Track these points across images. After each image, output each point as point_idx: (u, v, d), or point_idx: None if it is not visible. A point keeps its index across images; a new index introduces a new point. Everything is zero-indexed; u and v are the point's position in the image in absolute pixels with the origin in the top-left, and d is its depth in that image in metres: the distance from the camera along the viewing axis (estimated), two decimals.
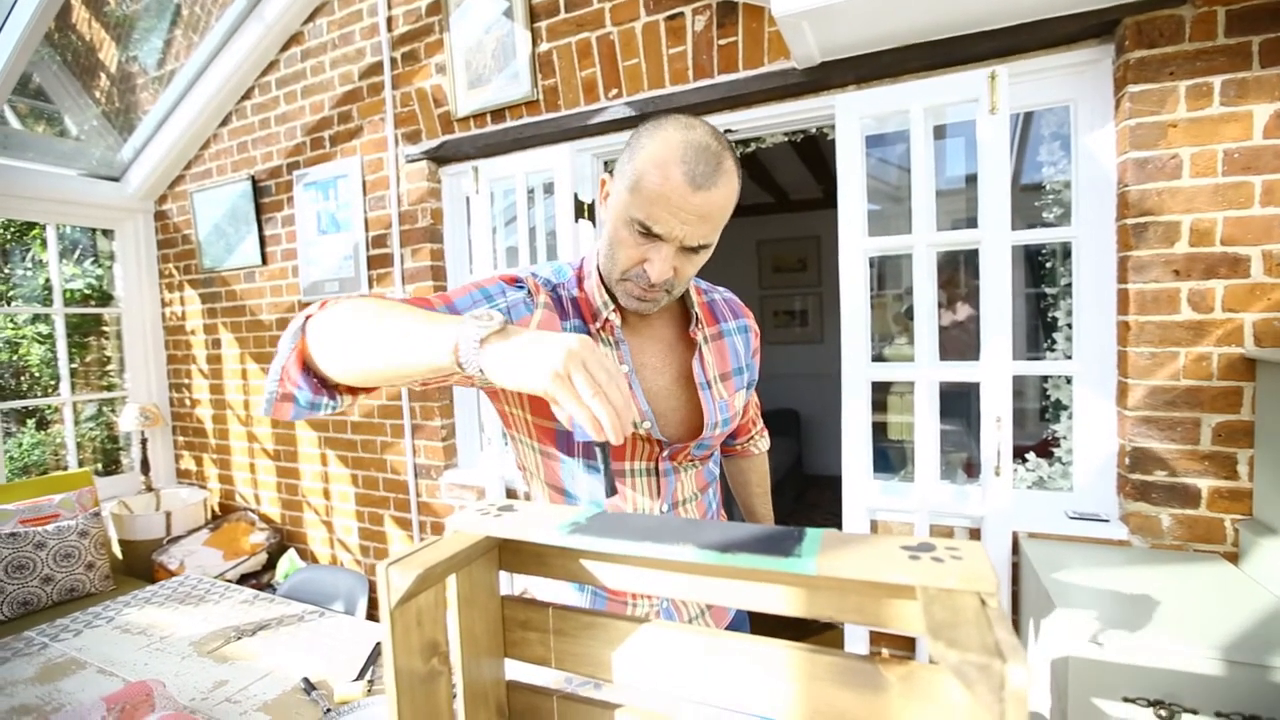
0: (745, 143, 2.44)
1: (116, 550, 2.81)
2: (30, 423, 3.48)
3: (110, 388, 3.34)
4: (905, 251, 1.62)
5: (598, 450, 0.61)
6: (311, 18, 2.56)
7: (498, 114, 2.16)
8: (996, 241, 1.46)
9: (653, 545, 0.42)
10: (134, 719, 0.82)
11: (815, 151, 3.55)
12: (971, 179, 1.83)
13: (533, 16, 2.05)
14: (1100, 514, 1.53)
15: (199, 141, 2.97)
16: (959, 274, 2.32)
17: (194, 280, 3.12)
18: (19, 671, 1.06)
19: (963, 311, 2.28)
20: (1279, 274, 1.30)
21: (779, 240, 4.91)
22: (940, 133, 1.79)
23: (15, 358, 3.45)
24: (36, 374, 3.48)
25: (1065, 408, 1.66)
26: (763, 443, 1.20)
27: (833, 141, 1.78)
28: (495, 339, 0.56)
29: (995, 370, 1.48)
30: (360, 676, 1.00)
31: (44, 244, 3.16)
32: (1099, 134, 1.51)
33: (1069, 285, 1.60)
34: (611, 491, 0.59)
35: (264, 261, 2.83)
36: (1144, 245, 1.39)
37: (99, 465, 3.41)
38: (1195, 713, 1.01)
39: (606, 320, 0.83)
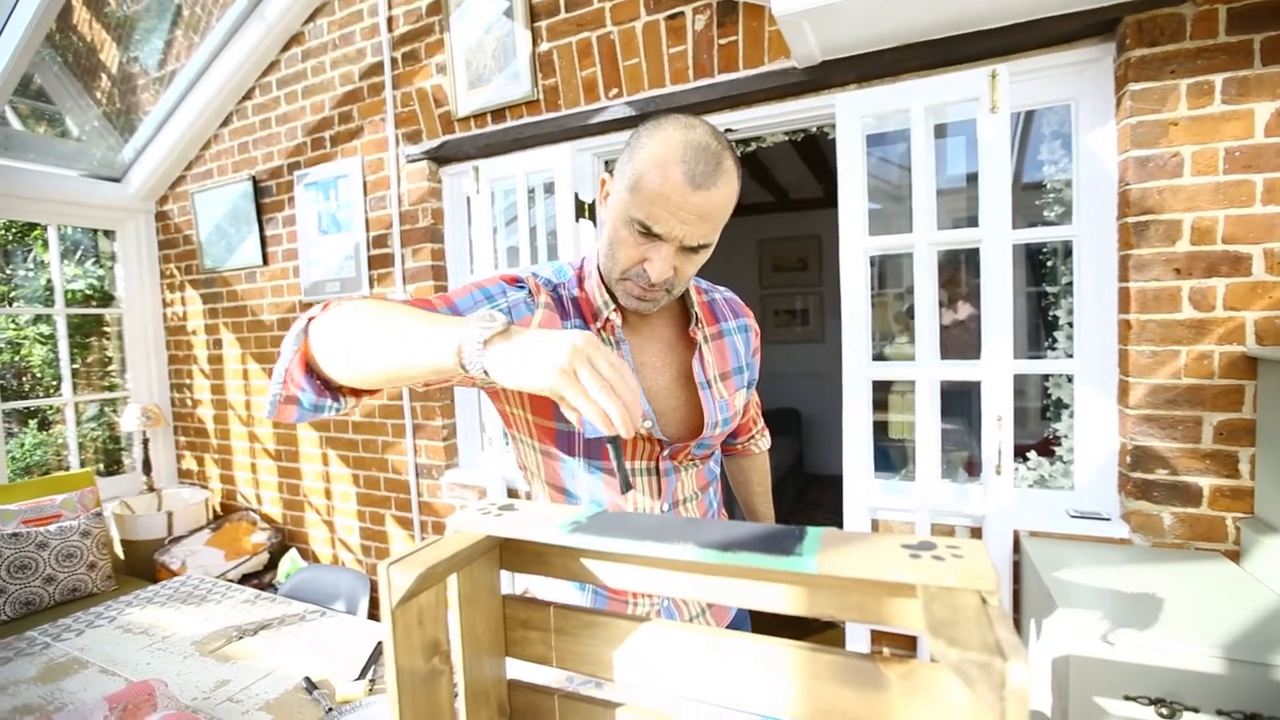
0: (746, 142, 2.44)
1: (118, 550, 2.81)
2: (32, 423, 3.49)
3: (112, 388, 3.35)
4: (906, 250, 1.62)
5: (609, 447, 0.60)
6: (312, 18, 2.56)
7: (498, 114, 2.17)
8: (997, 240, 1.46)
9: (653, 544, 0.42)
10: (136, 718, 0.82)
11: (816, 151, 3.55)
12: (972, 178, 1.83)
13: (533, 16, 2.05)
14: (1101, 512, 1.53)
15: (200, 142, 2.97)
16: (960, 273, 2.32)
17: (195, 280, 3.12)
18: (21, 671, 1.06)
19: (964, 310, 2.28)
20: None
21: (780, 239, 4.91)
22: (941, 132, 1.79)
23: (17, 358, 3.45)
24: (38, 374, 3.49)
25: (1066, 406, 1.66)
26: (763, 442, 1.20)
27: (833, 141, 1.78)
28: (498, 340, 0.56)
29: (996, 369, 1.48)
30: (362, 676, 1.00)
31: (45, 245, 3.17)
32: (1100, 132, 1.50)
33: (1070, 284, 1.60)
34: (627, 488, 0.57)
35: (265, 262, 2.83)
36: (1145, 244, 1.39)
37: (101, 465, 3.41)
38: (1196, 711, 1.01)
39: (607, 320, 0.83)
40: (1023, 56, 1.54)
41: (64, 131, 2.88)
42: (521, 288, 0.83)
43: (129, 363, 3.23)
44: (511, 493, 2.20)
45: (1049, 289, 1.72)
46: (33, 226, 3.39)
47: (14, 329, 3.43)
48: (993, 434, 1.48)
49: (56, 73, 2.67)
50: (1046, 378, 1.72)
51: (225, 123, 2.90)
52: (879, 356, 2.29)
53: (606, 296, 0.84)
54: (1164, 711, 1.02)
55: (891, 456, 2.34)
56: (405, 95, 2.35)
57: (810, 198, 4.64)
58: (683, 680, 0.47)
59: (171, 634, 1.19)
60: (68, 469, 3.05)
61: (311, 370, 0.67)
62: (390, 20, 2.35)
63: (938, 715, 0.38)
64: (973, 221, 1.52)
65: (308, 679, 0.98)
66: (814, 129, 1.96)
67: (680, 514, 0.90)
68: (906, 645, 1.72)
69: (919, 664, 0.39)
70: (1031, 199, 1.70)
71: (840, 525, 2.56)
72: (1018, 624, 1.54)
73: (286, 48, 2.65)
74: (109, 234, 3.22)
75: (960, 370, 1.56)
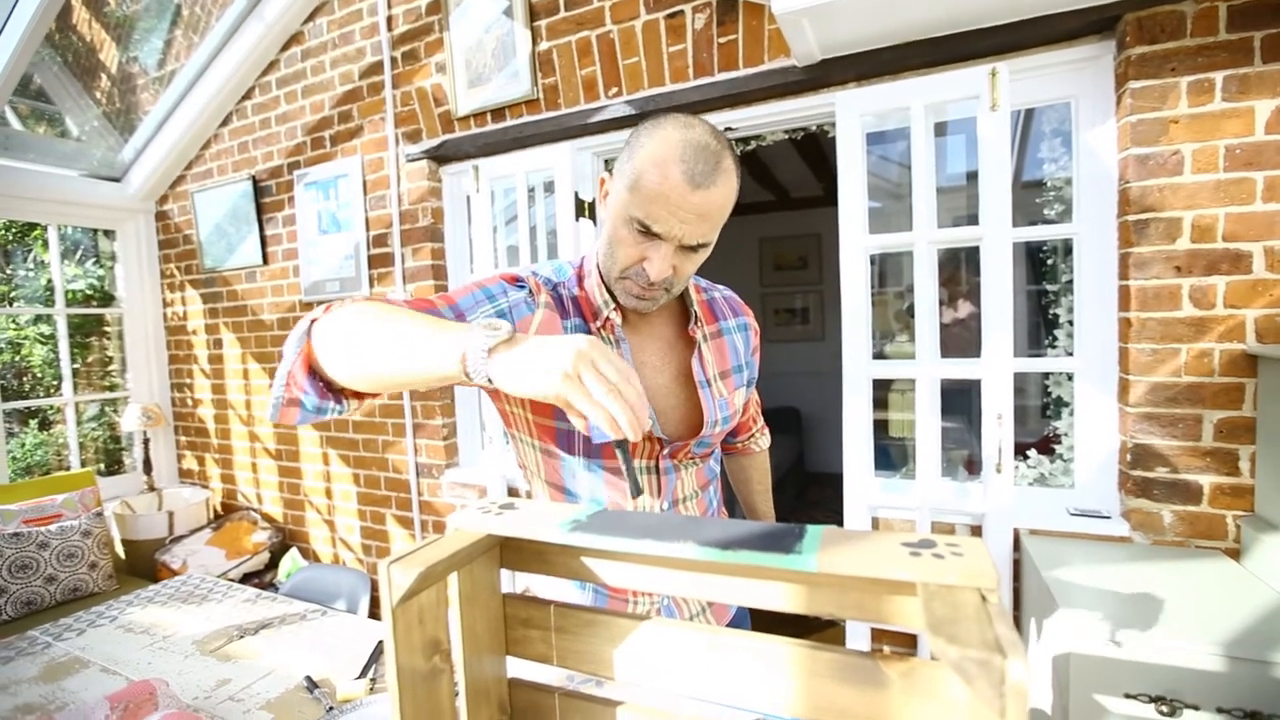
0: (746, 140, 2.44)
1: (119, 550, 2.81)
2: (33, 423, 3.49)
3: (112, 388, 3.35)
4: (906, 249, 1.62)
5: (618, 451, 0.60)
6: (311, 17, 2.56)
7: (498, 113, 2.16)
8: (997, 238, 1.46)
9: (653, 543, 0.42)
10: (137, 717, 0.82)
11: (816, 149, 3.55)
12: (972, 176, 1.83)
13: (532, 15, 2.05)
14: (1102, 510, 1.53)
15: (200, 142, 2.97)
16: (960, 271, 2.32)
17: (195, 280, 3.12)
18: (23, 670, 1.06)
19: (964, 309, 2.28)
20: None
21: (780, 238, 4.90)
22: (941, 130, 1.78)
23: (18, 358, 3.45)
24: (39, 374, 3.49)
25: (1066, 404, 1.66)
26: (763, 440, 1.20)
27: (833, 139, 1.78)
28: (503, 348, 0.56)
29: (996, 367, 1.47)
30: (362, 674, 1.00)
31: (45, 245, 3.17)
32: (1100, 130, 1.50)
33: (1070, 282, 1.60)
34: (637, 492, 0.56)
35: (265, 261, 2.83)
36: (1145, 242, 1.39)
37: (101, 465, 3.42)
38: (1197, 709, 1.01)
39: (607, 319, 0.83)
40: (1023, 54, 1.54)
41: (64, 131, 2.88)
42: (522, 287, 0.83)
43: (129, 362, 3.23)
44: (512, 491, 2.20)
45: (1049, 287, 1.72)
46: (33, 226, 3.39)
47: (14, 329, 3.43)
48: (993, 432, 1.48)
49: (56, 73, 2.66)
50: (1047, 376, 1.72)
51: (225, 122, 2.90)
52: (879, 355, 2.29)
53: (606, 295, 0.84)
54: (1164, 709, 1.02)
55: (892, 455, 2.34)
56: (405, 94, 2.35)
57: (810, 196, 4.64)
58: (683, 678, 0.47)
59: (172, 633, 1.19)
60: (68, 469, 3.05)
61: (314, 373, 0.67)
62: (390, 19, 2.35)
63: (938, 713, 0.38)
64: (973, 220, 1.52)
65: (309, 678, 0.98)
66: (814, 127, 1.95)
67: (680, 512, 0.90)
68: (907, 643, 1.72)
69: (919, 662, 0.39)
70: (1032, 197, 1.70)
71: (840, 523, 2.57)
72: (1018, 622, 1.54)
73: (286, 47, 2.65)
74: (109, 234, 3.22)
75: (960, 368, 1.56)
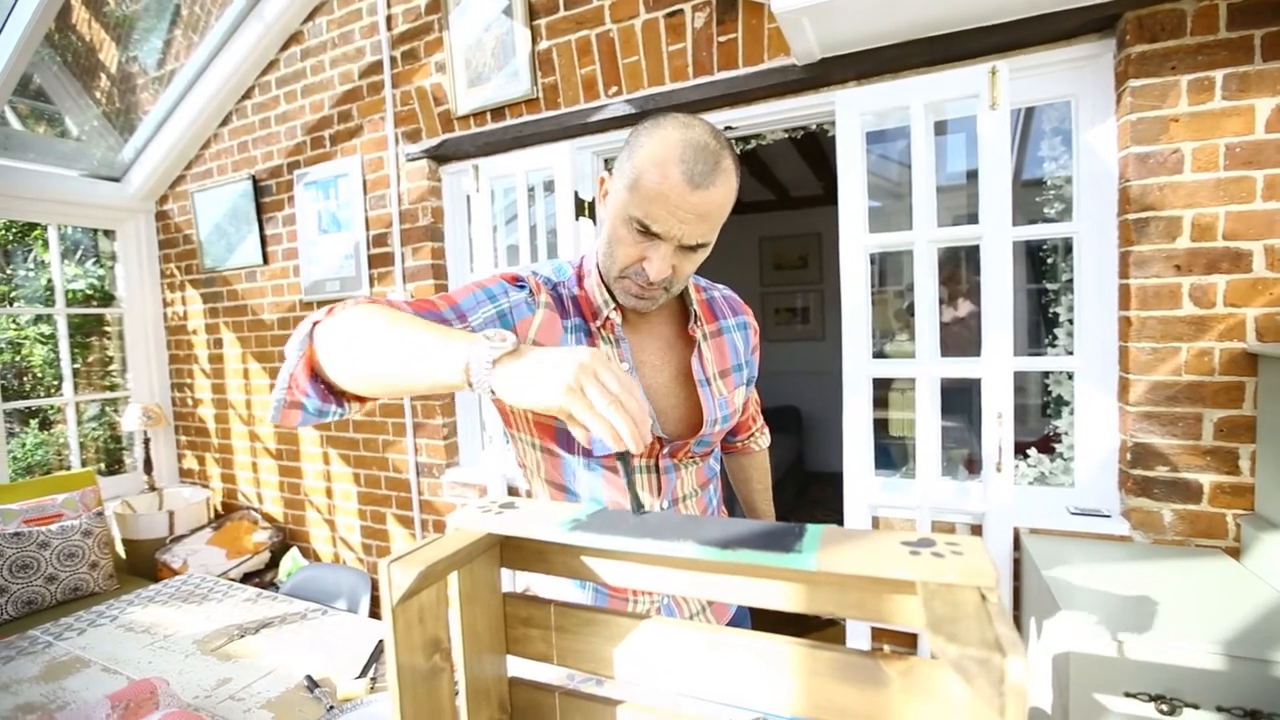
0: (745, 140, 2.44)
1: (120, 549, 2.82)
2: (33, 423, 3.49)
3: (113, 388, 3.35)
4: (906, 248, 1.62)
5: (620, 464, 0.60)
6: (311, 17, 2.56)
7: (498, 112, 2.16)
8: (998, 237, 1.46)
9: (653, 542, 0.42)
10: (138, 716, 0.82)
11: (816, 148, 3.54)
12: (972, 175, 1.82)
13: (532, 14, 2.04)
14: (1102, 509, 1.53)
15: (199, 141, 2.97)
16: (960, 270, 2.32)
17: (195, 280, 3.12)
18: (24, 670, 1.06)
19: (964, 307, 2.28)
20: None
21: (780, 237, 4.90)
22: (941, 129, 1.78)
23: (18, 358, 3.45)
24: (39, 374, 3.49)
25: (1067, 403, 1.66)
26: (763, 439, 1.20)
27: (833, 138, 1.78)
28: (507, 359, 0.56)
29: (996, 366, 1.47)
30: (363, 674, 1.00)
31: (46, 245, 3.17)
32: (1100, 129, 1.50)
33: (1070, 281, 1.59)
34: (639, 509, 0.54)
35: (265, 261, 2.83)
36: (1145, 240, 1.39)
37: (102, 465, 3.42)
38: (1197, 708, 1.01)
39: (607, 318, 0.83)
40: (1023, 53, 1.54)
41: (64, 131, 2.88)
42: (522, 287, 0.83)
43: (130, 362, 3.23)
44: (512, 491, 2.20)
45: (1049, 286, 1.72)
46: (33, 226, 3.39)
47: (15, 329, 3.43)
48: (993, 431, 1.48)
49: (56, 72, 2.66)
50: (1047, 375, 1.72)
51: (225, 122, 2.90)
52: (879, 354, 2.29)
53: (606, 295, 0.84)
54: (1164, 708, 1.02)
55: (892, 454, 2.34)
56: (405, 94, 2.35)
57: (810, 195, 4.63)
58: (683, 677, 0.47)
59: (173, 632, 1.19)
60: (69, 469, 3.05)
61: (316, 375, 0.67)
62: (389, 19, 2.35)
63: (937, 712, 0.38)
64: (973, 218, 1.52)
65: (309, 677, 0.99)
66: (814, 126, 1.95)
67: (680, 511, 0.91)
68: (907, 642, 1.72)
69: (919, 661, 0.39)
70: (1032, 196, 1.70)
71: (840, 523, 2.57)
72: (1018, 621, 1.54)
73: (285, 47, 2.65)
74: (109, 234, 3.22)
75: (960, 367, 1.56)
